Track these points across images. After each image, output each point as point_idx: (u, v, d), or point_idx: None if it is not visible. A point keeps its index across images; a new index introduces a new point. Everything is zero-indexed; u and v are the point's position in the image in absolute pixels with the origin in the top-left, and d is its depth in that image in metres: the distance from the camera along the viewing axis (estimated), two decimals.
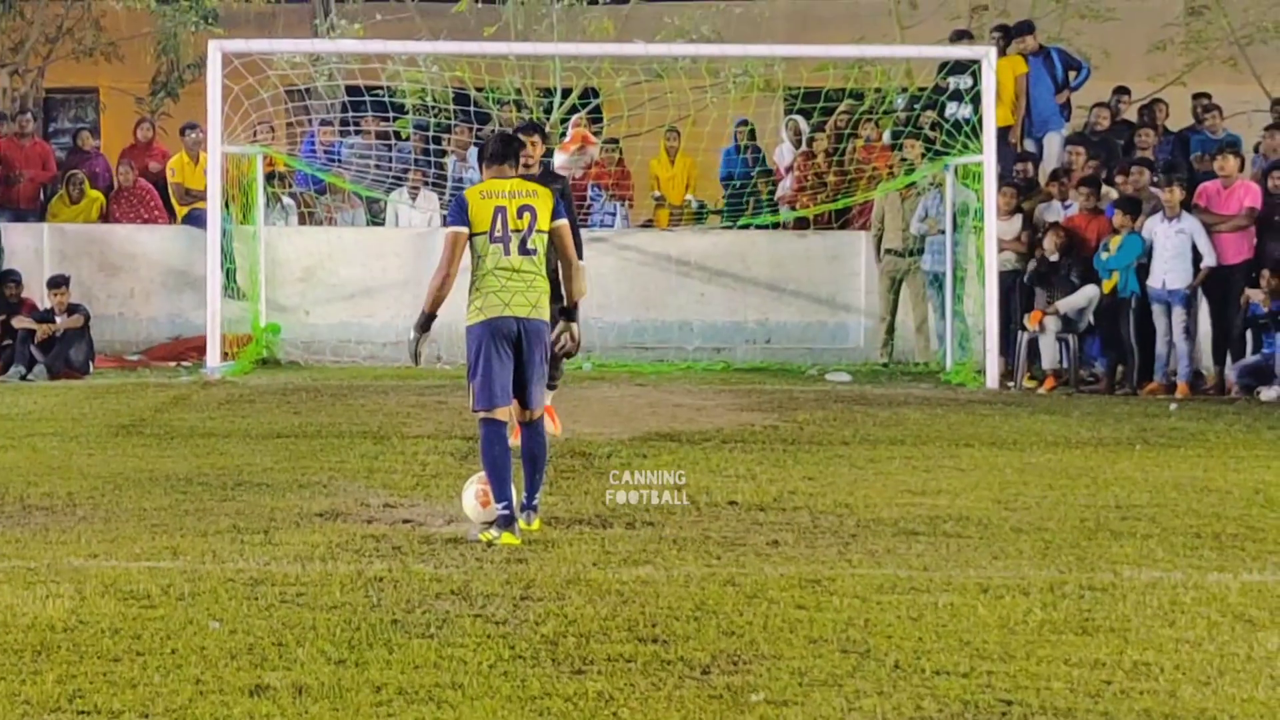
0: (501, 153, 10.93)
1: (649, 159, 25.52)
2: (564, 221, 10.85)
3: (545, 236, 10.69)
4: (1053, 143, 23.27)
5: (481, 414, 10.60)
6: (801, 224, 24.39)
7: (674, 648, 7.84)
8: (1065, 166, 22.24)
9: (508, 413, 10.68)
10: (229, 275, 21.90)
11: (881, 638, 8.09)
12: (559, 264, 11.05)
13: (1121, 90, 24.14)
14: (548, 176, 13.90)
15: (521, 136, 12.35)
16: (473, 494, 10.94)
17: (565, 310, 11.11)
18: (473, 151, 24.18)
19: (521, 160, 11.22)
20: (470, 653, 7.70)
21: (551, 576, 9.34)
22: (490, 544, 10.22)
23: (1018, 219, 21.18)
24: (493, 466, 10.56)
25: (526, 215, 10.60)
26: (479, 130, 24.12)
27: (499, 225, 10.55)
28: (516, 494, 10.67)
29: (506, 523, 10.41)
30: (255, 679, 7.27)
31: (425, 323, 10.72)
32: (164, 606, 8.54)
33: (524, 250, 10.59)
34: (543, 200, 10.72)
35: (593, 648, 7.82)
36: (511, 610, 8.54)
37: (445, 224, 10.74)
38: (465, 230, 10.57)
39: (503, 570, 9.51)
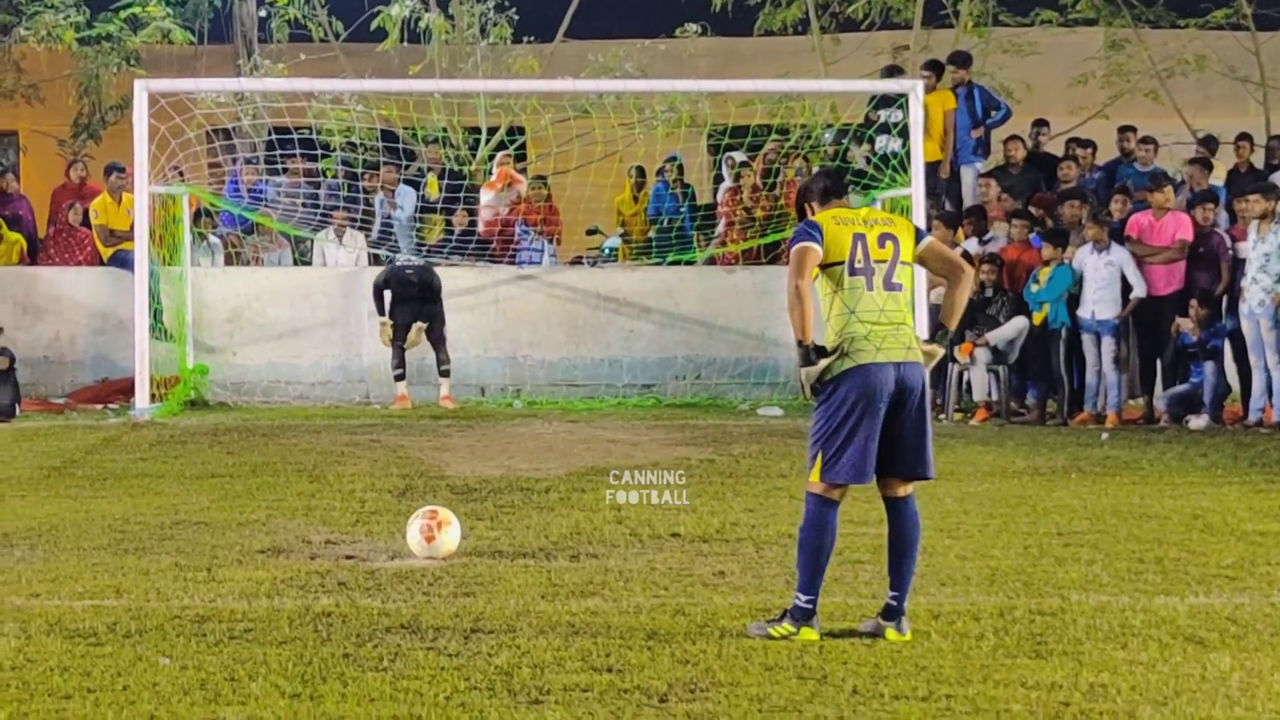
0: (839, 186, 9.28)
1: (615, 195, 25.36)
2: (931, 239, 9.12)
3: (910, 271, 8.97)
4: (968, 177, 23.36)
5: (821, 490, 8.76)
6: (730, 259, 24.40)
7: (630, 677, 7.80)
8: (980, 201, 22.34)
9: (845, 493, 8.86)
10: (156, 316, 21.71)
11: (837, 664, 8.08)
12: (948, 279, 9.22)
13: (1041, 123, 24.26)
14: None
15: None
16: (417, 529, 10.87)
17: (945, 330, 9.16)
18: (402, 190, 24.11)
19: None
20: (425, 685, 7.63)
21: (500, 609, 9.28)
22: (786, 638, 8.60)
23: None
24: (814, 554, 8.72)
25: (889, 244, 8.83)
26: (405, 168, 24.10)
27: (860, 254, 8.76)
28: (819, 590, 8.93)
29: (806, 616, 8.68)
30: (211, 713, 7.20)
31: (810, 354, 8.67)
32: (111, 644, 8.44)
33: (889, 285, 8.80)
34: (903, 227, 9.01)
35: (548, 678, 7.77)
36: (463, 643, 8.47)
37: (792, 243, 8.84)
38: (818, 247, 8.74)
39: (451, 604, 9.43)
